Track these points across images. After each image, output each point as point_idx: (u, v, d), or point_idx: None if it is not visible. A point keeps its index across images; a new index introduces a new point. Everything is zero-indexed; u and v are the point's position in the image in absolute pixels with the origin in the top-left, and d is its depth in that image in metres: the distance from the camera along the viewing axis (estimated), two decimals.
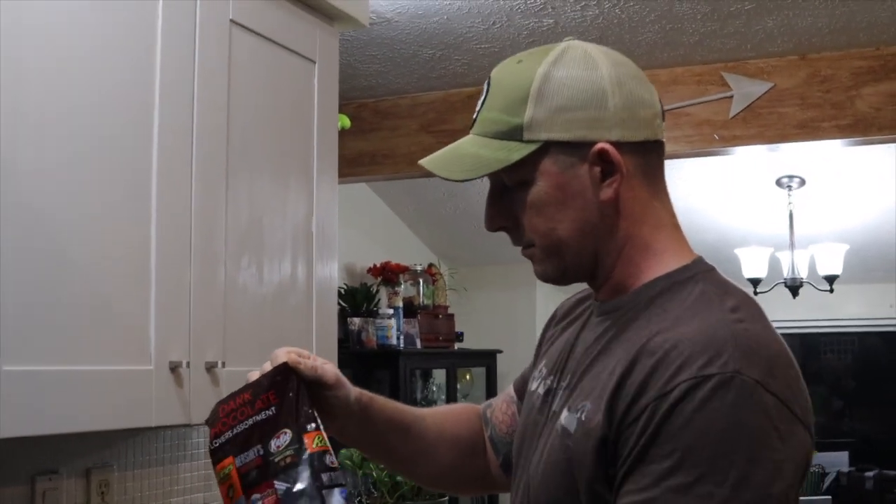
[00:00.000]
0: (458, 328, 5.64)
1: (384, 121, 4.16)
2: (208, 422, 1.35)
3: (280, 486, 1.26)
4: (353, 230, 5.23)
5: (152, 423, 1.83)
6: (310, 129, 2.39)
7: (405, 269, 5.36)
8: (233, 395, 1.34)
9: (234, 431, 1.31)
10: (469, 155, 1.28)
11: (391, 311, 5.07)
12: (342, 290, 5.18)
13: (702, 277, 1.25)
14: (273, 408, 1.30)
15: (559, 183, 1.25)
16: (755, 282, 5.24)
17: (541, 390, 1.39)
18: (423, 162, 1.31)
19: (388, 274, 5.34)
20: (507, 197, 1.30)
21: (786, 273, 5.27)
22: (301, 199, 2.34)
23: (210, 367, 1.96)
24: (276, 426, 1.29)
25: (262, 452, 1.27)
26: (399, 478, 2.99)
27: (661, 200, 1.30)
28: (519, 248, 1.34)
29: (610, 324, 1.29)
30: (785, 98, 3.54)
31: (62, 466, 2.15)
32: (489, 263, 6.11)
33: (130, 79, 1.82)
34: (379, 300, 5.21)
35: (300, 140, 2.36)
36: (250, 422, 1.30)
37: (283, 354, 1.36)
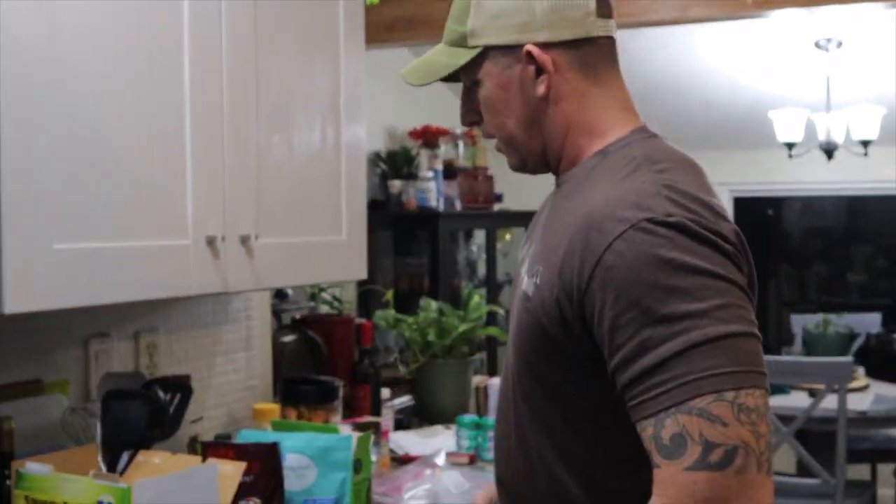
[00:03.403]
0: (497, 189, 5.74)
1: None
2: None
3: None
4: (394, 94, 5.30)
5: (191, 292, 1.96)
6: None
7: (445, 132, 5.44)
8: None
9: None
10: (430, 62, 1.50)
11: (431, 174, 5.18)
12: (382, 154, 5.29)
13: (637, 145, 1.39)
14: None
15: (500, 82, 1.44)
16: (790, 145, 5.26)
17: (522, 261, 1.56)
18: (402, 73, 1.53)
19: (429, 137, 5.43)
20: (471, 97, 1.50)
21: (821, 136, 5.29)
22: (328, 68, 2.41)
23: (244, 240, 2.07)
24: None
25: None
26: (430, 337, 3.15)
27: (604, 88, 1.44)
28: None
29: (561, 196, 1.45)
30: None
31: (113, 330, 2.32)
32: None
33: None
34: (419, 163, 5.32)
35: (325, 6, 2.41)
36: None
37: None
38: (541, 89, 1.41)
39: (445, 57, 1.47)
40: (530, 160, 1.49)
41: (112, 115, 1.78)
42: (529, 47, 1.40)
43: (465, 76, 1.47)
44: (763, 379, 1.20)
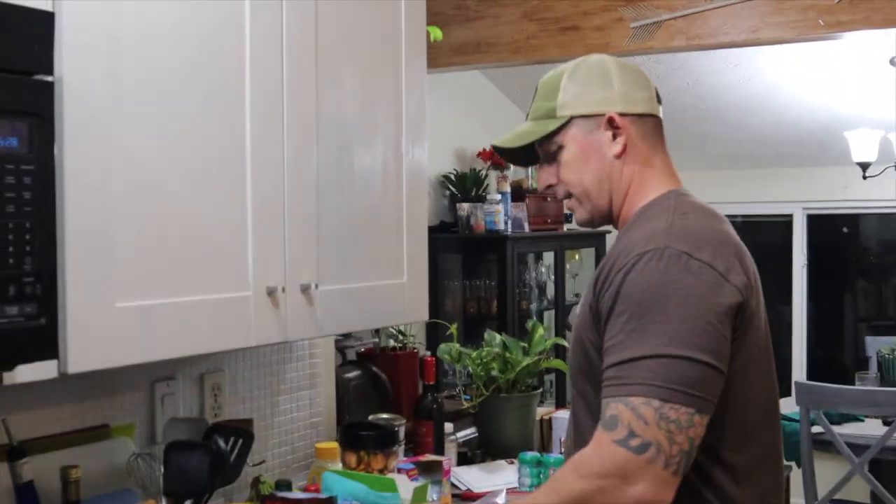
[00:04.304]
0: (566, 210, 5.73)
1: (488, 9, 4.20)
2: None
3: None
4: (463, 115, 5.33)
5: (251, 343, 1.98)
6: (398, 26, 2.47)
7: None
8: None
9: None
10: (522, 132, 1.86)
11: (499, 197, 5.18)
12: (452, 176, 5.31)
13: (674, 199, 1.73)
14: None
15: (583, 145, 1.79)
16: (864, 165, 5.17)
17: None
18: (495, 143, 1.91)
19: (498, 157, 5.44)
20: (550, 163, 1.84)
21: None
22: (390, 97, 2.44)
23: (304, 289, 2.09)
24: None
25: None
26: (494, 372, 3.16)
27: (658, 157, 1.82)
28: None
29: (613, 244, 1.76)
30: None
31: (178, 373, 2.36)
32: None
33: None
34: (488, 185, 5.33)
35: (390, 44, 2.44)
36: None
37: None
38: (617, 148, 1.77)
39: (536, 127, 1.82)
40: (597, 215, 1.82)
41: (174, 170, 1.81)
42: (612, 114, 1.76)
43: (551, 143, 1.81)
44: (694, 400, 1.52)
